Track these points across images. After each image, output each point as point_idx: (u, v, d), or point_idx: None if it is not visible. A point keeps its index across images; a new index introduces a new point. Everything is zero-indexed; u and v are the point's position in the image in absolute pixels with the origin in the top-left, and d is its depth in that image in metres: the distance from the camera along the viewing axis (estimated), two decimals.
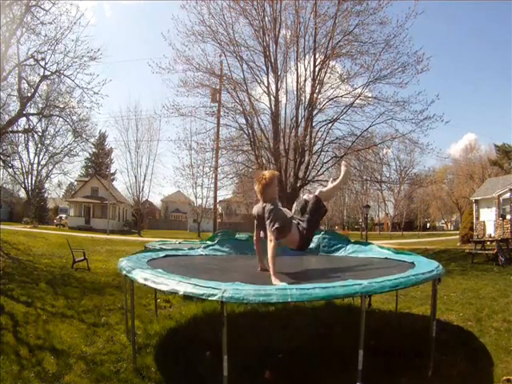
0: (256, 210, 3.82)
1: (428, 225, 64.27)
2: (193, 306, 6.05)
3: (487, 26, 72.44)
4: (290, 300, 2.54)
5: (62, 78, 12.51)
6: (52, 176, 40.84)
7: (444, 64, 74.60)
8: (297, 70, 14.98)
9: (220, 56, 15.09)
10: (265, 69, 15.01)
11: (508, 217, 21.25)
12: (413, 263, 4.11)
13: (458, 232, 30.04)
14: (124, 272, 3.51)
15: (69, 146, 20.60)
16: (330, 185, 4.39)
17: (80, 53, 11.98)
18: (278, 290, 2.61)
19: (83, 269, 9.83)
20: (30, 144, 30.17)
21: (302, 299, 2.57)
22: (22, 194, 44.65)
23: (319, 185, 19.33)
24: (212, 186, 25.61)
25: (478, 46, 76.40)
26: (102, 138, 48.30)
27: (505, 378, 3.32)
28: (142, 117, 40.35)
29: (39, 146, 28.91)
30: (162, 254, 5.22)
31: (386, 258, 5.13)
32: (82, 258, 10.22)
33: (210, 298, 2.56)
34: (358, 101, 14.64)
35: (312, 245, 6.44)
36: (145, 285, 3.17)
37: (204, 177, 29.20)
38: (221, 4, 14.36)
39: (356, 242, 6.05)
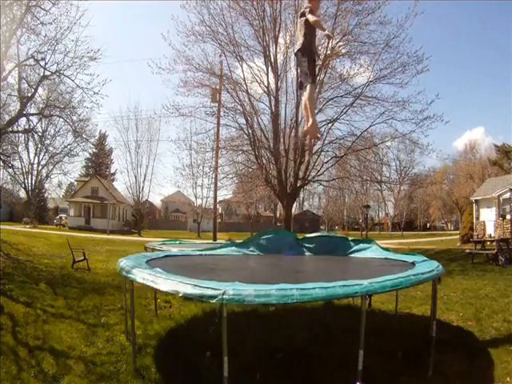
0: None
1: (428, 225, 64.23)
2: (192, 306, 6.04)
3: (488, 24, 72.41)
4: (289, 301, 2.53)
5: (62, 78, 12.49)
6: (52, 176, 40.92)
7: (445, 63, 74.55)
8: (297, 69, 14.95)
9: (220, 56, 15.12)
10: (265, 69, 15.02)
11: (508, 217, 21.21)
12: (413, 263, 4.12)
13: (458, 232, 30.02)
14: (123, 273, 3.50)
15: (69, 146, 20.62)
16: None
17: (80, 53, 11.98)
18: (278, 290, 2.59)
19: (83, 269, 9.82)
20: (30, 144, 30.21)
21: (302, 299, 2.56)
22: (22, 194, 44.73)
23: (319, 185, 19.39)
24: (212, 185, 25.63)
25: (478, 45, 76.40)
26: (102, 138, 48.34)
27: None
28: (142, 117, 40.39)
29: (39, 146, 28.94)
30: (161, 254, 5.24)
31: (386, 258, 5.15)
32: (82, 258, 10.21)
33: (210, 301, 2.55)
34: (358, 101, 14.65)
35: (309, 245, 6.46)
36: (144, 285, 3.16)
37: (204, 177, 29.29)
38: (221, 4, 14.40)
39: (355, 240, 6.06)
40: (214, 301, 2.52)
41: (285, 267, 5.23)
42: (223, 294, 2.50)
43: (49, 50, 11.82)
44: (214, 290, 2.56)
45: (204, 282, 2.79)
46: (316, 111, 15.09)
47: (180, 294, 2.75)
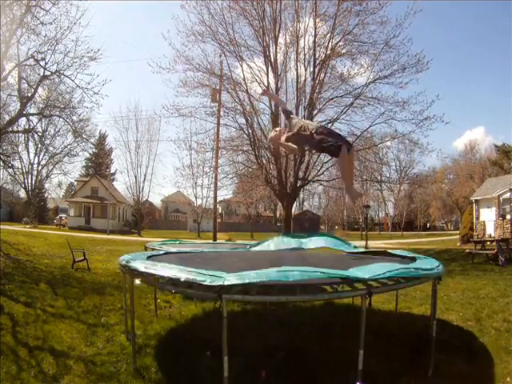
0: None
1: (428, 225, 64.23)
2: (192, 306, 6.04)
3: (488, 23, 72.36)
4: (291, 279, 2.57)
5: (62, 78, 12.48)
6: (52, 176, 40.86)
7: (445, 63, 74.57)
8: (297, 69, 14.98)
9: (220, 56, 15.13)
10: (265, 69, 15.02)
11: (508, 217, 21.21)
12: (414, 258, 4.18)
13: (458, 232, 30.02)
14: (124, 262, 3.51)
15: (69, 146, 20.53)
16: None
17: (80, 53, 11.97)
18: (279, 271, 2.66)
19: (83, 269, 9.82)
20: (30, 144, 30.14)
21: (302, 277, 2.61)
22: (22, 194, 44.71)
23: (319, 185, 19.39)
24: (212, 185, 25.60)
25: (479, 45, 76.38)
26: (102, 138, 48.36)
27: None
28: (142, 117, 40.46)
29: (39, 145, 28.85)
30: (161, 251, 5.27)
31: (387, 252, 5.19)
32: (82, 258, 10.21)
33: (213, 283, 2.57)
34: (357, 101, 14.65)
35: None
36: (145, 273, 3.16)
37: (204, 177, 29.28)
38: (221, 4, 14.40)
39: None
40: (217, 282, 2.55)
41: (284, 261, 5.23)
42: (225, 280, 2.55)
43: (49, 50, 11.82)
44: (216, 275, 2.63)
45: (205, 270, 2.84)
46: (316, 111, 15.13)
47: (182, 279, 2.76)
